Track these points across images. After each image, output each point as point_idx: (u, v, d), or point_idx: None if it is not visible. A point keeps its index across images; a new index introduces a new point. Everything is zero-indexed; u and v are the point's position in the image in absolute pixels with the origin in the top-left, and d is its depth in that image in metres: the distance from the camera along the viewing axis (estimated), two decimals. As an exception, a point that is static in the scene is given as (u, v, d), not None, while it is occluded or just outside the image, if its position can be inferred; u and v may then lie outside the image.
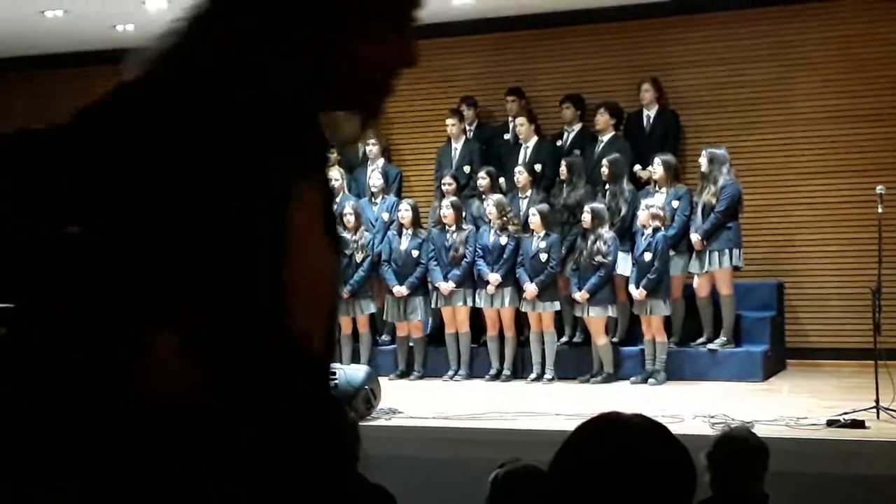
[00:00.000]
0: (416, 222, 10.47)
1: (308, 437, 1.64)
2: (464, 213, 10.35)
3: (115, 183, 1.31)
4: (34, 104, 13.27)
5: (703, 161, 9.79)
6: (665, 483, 1.61)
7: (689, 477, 1.64)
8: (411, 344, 10.49)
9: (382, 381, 8.80)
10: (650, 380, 9.55)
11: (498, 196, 10.19)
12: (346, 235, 10.20)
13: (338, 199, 10.75)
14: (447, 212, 10.20)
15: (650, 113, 10.78)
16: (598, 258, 9.59)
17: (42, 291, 1.35)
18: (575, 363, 9.96)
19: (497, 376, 10.09)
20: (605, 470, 1.59)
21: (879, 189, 8.47)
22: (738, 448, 4.33)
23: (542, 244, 9.87)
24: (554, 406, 8.35)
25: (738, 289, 9.94)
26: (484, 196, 10.38)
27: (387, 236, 10.57)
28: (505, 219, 10.03)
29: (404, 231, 10.43)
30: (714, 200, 9.63)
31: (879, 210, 8.38)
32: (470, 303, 10.20)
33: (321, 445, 1.65)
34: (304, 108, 1.42)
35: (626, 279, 9.78)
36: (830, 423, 7.33)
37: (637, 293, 9.57)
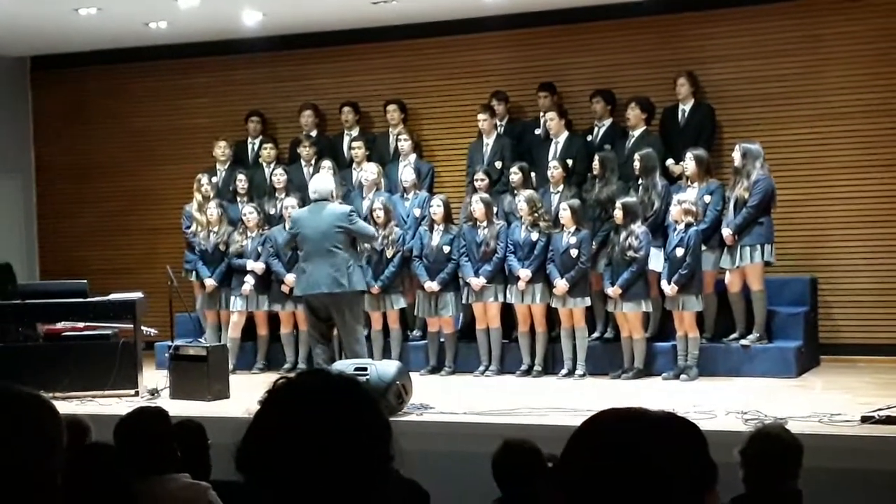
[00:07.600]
0: (448, 218, 10.48)
1: (344, 434, 1.65)
2: (495, 209, 10.34)
3: None
4: (68, 102, 13.37)
5: (736, 155, 9.73)
6: (669, 478, 1.57)
7: (696, 474, 1.59)
8: (442, 339, 10.50)
9: (413, 376, 8.81)
10: (682, 375, 9.51)
11: (529, 192, 10.17)
12: (376, 231, 10.21)
13: (371, 195, 10.77)
14: (478, 207, 10.19)
15: (685, 107, 10.71)
16: (630, 253, 9.56)
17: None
18: (606, 359, 9.94)
19: (528, 372, 10.09)
20: (604, 460, 1.57)
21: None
22: (772, 444, 4.31)
23: (573, 240, 9.85)
24: (585, 402, 8.31)
25: (772, 284, 9.88)
26: (515, 191, 10.37)
27: (418, 232, 10.57)
28: (536, 214, 10.01)
29: (435, 226, 10.44)
30: (746, 195, 9.57)
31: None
32: (501, 298, 10.20)
33: (357, 441, 1.66)
34: None
35: (659, 274, 9.75)
36: (865, 420, 7.27)
37: (669, 288, 9.54)
